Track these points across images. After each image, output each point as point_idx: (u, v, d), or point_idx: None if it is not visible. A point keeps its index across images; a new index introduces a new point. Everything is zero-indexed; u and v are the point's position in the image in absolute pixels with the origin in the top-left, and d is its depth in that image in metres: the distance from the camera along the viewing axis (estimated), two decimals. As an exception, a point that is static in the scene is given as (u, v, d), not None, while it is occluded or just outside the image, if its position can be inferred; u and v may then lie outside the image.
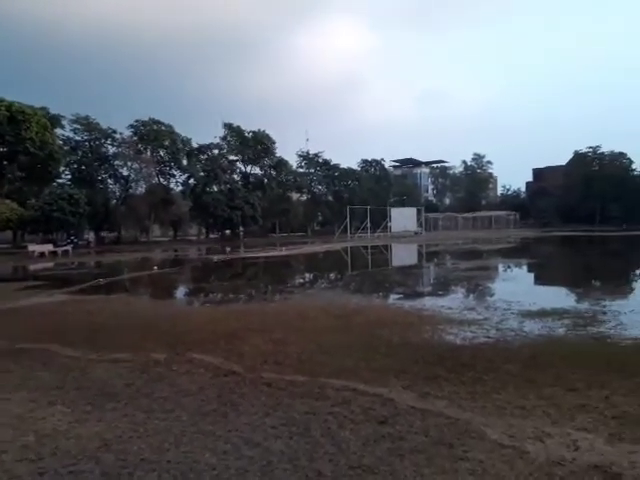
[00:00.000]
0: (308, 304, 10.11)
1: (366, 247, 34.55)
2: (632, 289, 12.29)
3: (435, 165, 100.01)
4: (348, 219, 50.99)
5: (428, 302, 9.71)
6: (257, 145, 58.76)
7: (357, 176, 68.77)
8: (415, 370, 5.12)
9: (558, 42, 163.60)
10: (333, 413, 4.04)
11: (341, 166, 67.33)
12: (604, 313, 8.05)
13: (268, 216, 58.74)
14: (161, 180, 53.00)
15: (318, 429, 3.72)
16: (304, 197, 67.56)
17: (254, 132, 58.80)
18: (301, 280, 17.34)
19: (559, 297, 10.62)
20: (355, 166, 72.07)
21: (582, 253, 27.73)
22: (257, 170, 62.01)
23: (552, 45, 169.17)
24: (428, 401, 4.27)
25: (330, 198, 66.79)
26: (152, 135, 49.73)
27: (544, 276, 16.70)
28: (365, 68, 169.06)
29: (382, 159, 76.46)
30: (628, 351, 5.68)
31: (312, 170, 66.53)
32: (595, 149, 76.71)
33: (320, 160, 66.12)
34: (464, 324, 7.47)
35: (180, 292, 15.10)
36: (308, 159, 66.17)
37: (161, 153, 51.93)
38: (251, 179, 60.77)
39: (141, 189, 51.06)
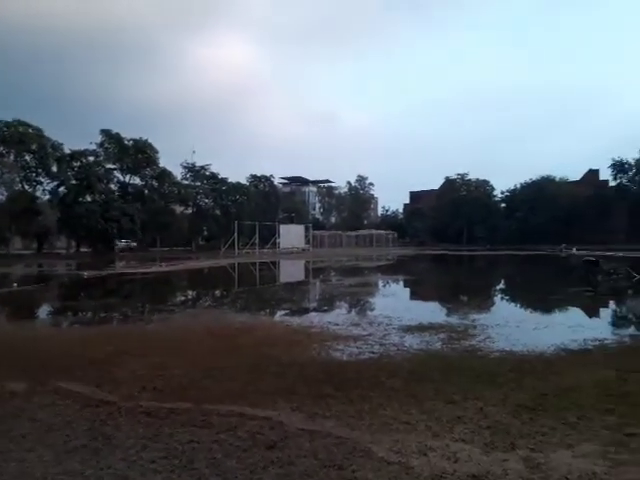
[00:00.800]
0: (191, 324, 9.66)
1: (254, 263, 34.25)
2: (494, 304, 13.60)
3: (322, 184, 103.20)
4: (236, 234, 50.23)
5: (315, 319, 9.81)
6: (138, 154, 55.71)
7: (246, 191, 68.31)
8: (304, 390, 5.07)
9: (437, 77, 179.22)
10: (219, 441, 3.82)
11: (229, 180, 66.49)
12: (474, 327, 8.75)
13: (148, 229, 55.71)
14: (26, 187, 47.82)
15: (202, 460, 3.48)
16: (189, 210, 65.38)
17: (135, 140, 55.73)
18: (183, 298, 16.58)
19: (434, 312, 11.39)
20: (244, 181, 71.65)
21: (452, 270, 30.24)
22: (137, 180, 58.72)
23: (432, 80, 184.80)
24: (317, 422, 4.23)
25: (217, 212, 65.38)
26: (16, 137, 44.77)
27: (420, 292, 17.85)
28: (255, 83, 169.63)
29: (271, 175, 77.05)
30: (496, 363, 6.18)
31: (198, 183, 64.70)
32: (463, 176, 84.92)
33: (207, 173, 64.59)
34: (350, 340, 7.64)
35: (44, 312, 13.57)
36: (194, 171, 64.29)
37: (27, 158, 46.90)
38: (130, 189, 57.22)
39: (1, 197, 45.61)
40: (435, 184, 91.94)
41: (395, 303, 12.71)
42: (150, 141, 56.88)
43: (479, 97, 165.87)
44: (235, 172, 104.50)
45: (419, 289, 18.90)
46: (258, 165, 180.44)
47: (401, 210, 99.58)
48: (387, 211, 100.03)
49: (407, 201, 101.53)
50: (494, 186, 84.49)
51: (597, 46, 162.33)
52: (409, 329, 8.51)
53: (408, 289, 18.83)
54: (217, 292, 17.97)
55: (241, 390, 5.10)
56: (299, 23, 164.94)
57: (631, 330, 8.95)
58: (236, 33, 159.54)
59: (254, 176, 74.16)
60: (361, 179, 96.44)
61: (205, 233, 69.29)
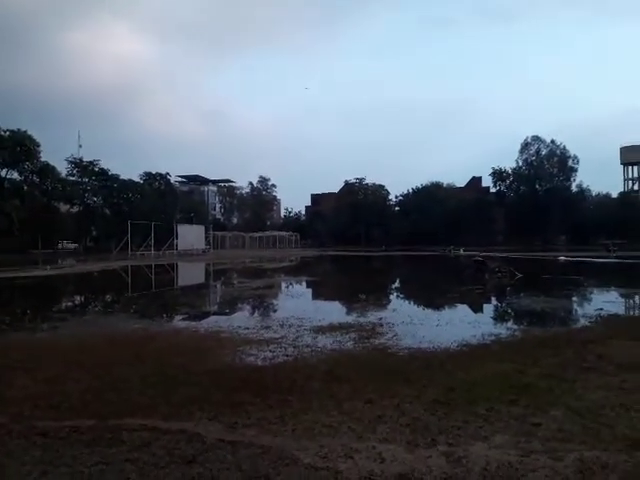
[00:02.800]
0: (86, 333, 8.88)
1: (150, 266, 32.54)
2: (397, 302, 14.20)
3: (223, 184, 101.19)
4: (129, 235, 47.39)
5: (224, 323, 9.50)
6: (16, 147, 50.57)
7: (139, 189, 64.88)
8: (220, 398, 4.86)
9: (335, 84, 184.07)
10: (131, 460, 3.51)
11: (121, 177, 62.66)
12: (382, 325, 9.05)
13: (28, 229, 50.72)
14: None
15: (115, 483, 3.17)
16: (75, 209, 60.60)
17: (12, 131, 50.55)
18: (74, 304, 15.26)
19: (343, 312, 11.63)
20: (137, 178, 67.96)
21: (354, 270, 31.19)
22: (15, 175, 53.25)
23: (333, 83, 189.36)
24: (237, 431, 4.06)
25: (107, 211, 61.37)
26: None
27: (327, 292, 18.15)
28: (149, 78, 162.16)
29: (167, 173, 74.01)
30: (406, 360, 6.42)
31: (86, 179, 60.24)
32: (361, 180, 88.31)
33: (96, 169, 60.37)
34: (263, 344, 7.50)
35: None
36: (81, 167, 59.76)
37: None
38: (6, 185, 51.76)
39: None
40: (335, 187, 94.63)
41: (304, 304, 12.78)
42: (30, 133, 51.89)
43: (374, 106, 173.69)
44: (128, 169, 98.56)
45: (326, 289, 19.21)
46: (154, 163, 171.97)
47: (303, 212, 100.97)
48: (290, 213, 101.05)
49: (309, 203, 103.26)
50: (389, 190, 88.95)
51: (481, 64, 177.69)
52: (321, 330, 8.57)
53: (315, 290, 19.04)
54: (111, 297, 16.78)
55: (151, 402, 4.76)
56: (197, 19, 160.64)
57: (519, 324, 9.81)
58: (124, 23, 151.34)
59: (149, 174, 70.76)
60: (263, 180, 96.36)
61: (94, 233, 64.65)
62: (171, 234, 51.51)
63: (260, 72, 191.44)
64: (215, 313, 11.98)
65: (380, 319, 9.81)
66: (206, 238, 58.29)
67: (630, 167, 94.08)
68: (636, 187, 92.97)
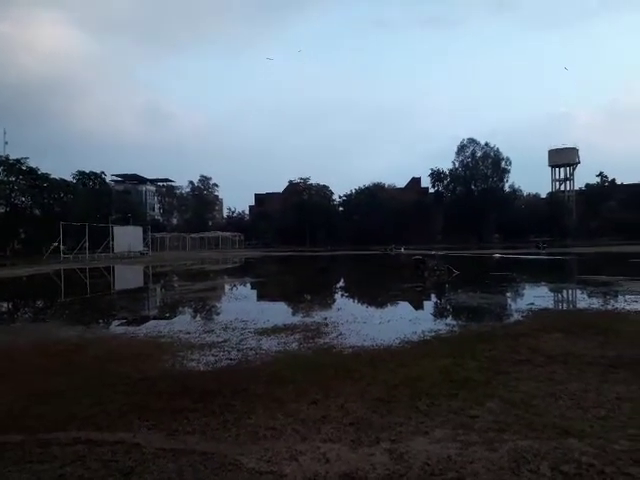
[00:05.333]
0: (14, 341, 8.34)
1: (84, 269, 31.05)
2: (341, 301, 14.34)
3: (162, 184, 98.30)
4: (61, 237, 44.99)
5: (164, 328, 9.22)
6: None
7: (72, 189, 61.80)
8: (160, 406, 4.71)
9: (281, 82, 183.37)
10: (65, 475, 3.34)
11: (52, 176, 59.39)
12: (326, 325, 9.11)
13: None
14: None
15: (46, 503, 2.99)
16: (1, 210, 56.82)
17: None
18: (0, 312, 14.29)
19: (287, 313, 11.59)
20: (70, 178, 64.73)
21: (299, 270, 31.20)
22: None
23: (276, 84, 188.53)
24: (178, 439, 3.95)
25: (37, 212, 57.97)
26: None
27: (271, 293, 18.03)
28: (83, 73, 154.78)
29: (103, 172, 70.95)
30: (351, 359, 6.49)
31: (12, 179, 56.62)
32: (305, 180, 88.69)
33: (24, 167, 56.85)
34: (205, 348, 7.35)
35: None
36: (7, 165, 56.11)
37: None
38: None
39: None
40: (280, 187, 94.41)
41: (248, 306, 12.63)
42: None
43: (317, 107, 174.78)
44: (61, 169, 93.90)
45: (270, 291, 19.08)
46: (88, 161, 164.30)
47: (247, 212, 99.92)
48: (233, 213, 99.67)
49: (253, 203, 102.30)
50: (333, 190, 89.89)
51: (420, 67, 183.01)
52: (265, 332, 8.50)
53: (260, 291, 18.88)
54: (42, 303, 15.86)
55: (86, 413, 4.53)
56: (134, 15, 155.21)
57: (458, 320, 10.17)
58: (55, 14, 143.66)
59: (82, 173, 67.56)
60: (205, 179, 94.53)
61: (22, 236, 60.86)
62: (107, 236, 49.37)
63: (201, 70, 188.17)
64: (154, 317, 11.58)
65: (325, 319, 9.87)
66: (144, 240, 56.35)
67: (557, 169, 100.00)
68: (563, 188, 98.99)
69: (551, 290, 15.96)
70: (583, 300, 12.85)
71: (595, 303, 11.67)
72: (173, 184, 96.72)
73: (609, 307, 10.90)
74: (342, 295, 17.09)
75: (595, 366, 5.72)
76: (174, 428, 4.17)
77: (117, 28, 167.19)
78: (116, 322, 11.13)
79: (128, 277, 29.02)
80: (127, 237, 52.08)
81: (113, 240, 49.47)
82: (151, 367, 6.27)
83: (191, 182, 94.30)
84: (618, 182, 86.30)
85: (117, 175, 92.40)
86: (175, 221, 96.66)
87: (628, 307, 10.66)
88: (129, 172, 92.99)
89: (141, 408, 4.64)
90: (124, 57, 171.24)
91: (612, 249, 42.81)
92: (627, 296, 12.69)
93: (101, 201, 65.45)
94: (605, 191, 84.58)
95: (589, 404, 4.41)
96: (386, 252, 47.75)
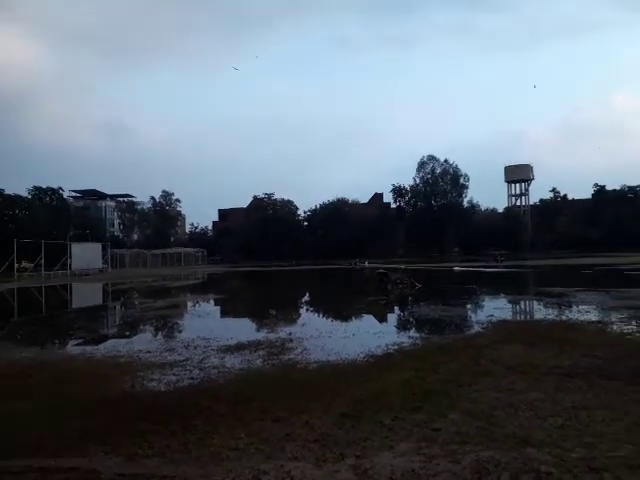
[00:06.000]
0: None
1: (40, 288, 29.81)
2: (305, 316, 14.27)
3: (122, 199, 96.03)
4: (14, 255, 43.10)
5: (123, 347, 8.92)
6: None
7: (27, 205, 59.59)
8: (118, 429, 4.53)
9: (246, 99, 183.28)
10: (14, 508, 3.14)
11: (6, 192, 57.16)
12: (291, 341, 9.03)
13: None
14: None
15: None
16: (-51, 227, 54.14)
17: None
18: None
19: (251, 329, 11.44)
20: (26, 193, 62.48)
21: (263, 286, 30.94)
22: None
23: (241, 100, 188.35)
24: (137, 463, 3.80)
25: (-11, 229, 55.47)
26: None
27: (234, 310, 17.78)
28: (39, 85, 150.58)
29: (60, 188, 68.83)
30: (315, 374, 6.45)
31: (-37, 194, 54.22)
32: (270, 195, 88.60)
33: (-24, 183, 54.55)
34: (166, 367, 7.14)
35: None
36: (-43, 180, 53.72)
37: None
38: None
39: None
40: (244, 202, 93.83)
41: (210, 323, 12.40)
42: None
43: (282, 124, 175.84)
44: (15, 184, 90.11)
45: (233, 307, 18.81)
46: (45, 177, 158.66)
47: (210, 227, 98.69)
48: (196, 228, 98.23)
49: (216, 219, 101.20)
50: (297, 205, 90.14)
51: (383, 85, 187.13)
52: (228, 349, 8.35)
53: (223, 308, 18.57)
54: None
55: (39, 439, 4.31)
56: (96, 31, 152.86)
57: (420, 332, 10.29)
58: (9, 26, 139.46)
59: (38, 188, 65.37)
60: (167, 194, 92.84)
61: (-27, 254, 58.04)
62: (64, 253, 47.64)
63: (165, 85, 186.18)
64: (113, 336, 11.20)
65: (290, 334, 9.79)
66: (104, 256, 54.64)
67: (513, 184, 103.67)
68: (518, 203, 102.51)
69: (509, 302, 16.38)
70: (540, 311, 13.24)
71: (551, 314, 12.05)
72: (134, 199, 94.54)
73: (564, 318, 11.26)
74: (307, 310, 17.03)
75: (552, 376, 5.88)
76: (133, 452, 4.01)
77: (77, 41, 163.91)
78: (73, 342, 10.69)
79: (86, 295, 28.03)
80: (86, 254, 50.36)
81: (71, 257, 47.75)
82: (109, 388, 6.04)
83: (152, 197, 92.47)
84: (569, 197, 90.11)
85: (76, 191, 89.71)
86: (136, 237, 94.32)
87: (582, 317, 11.04)
88: (88, 187, 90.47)
89: (98, 432, 4.45)
90: (84, 70, 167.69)
91: (565, 261, 44.45)
92: (580, 306, 13.17)
93: (58, 217, 63.29)
94: (558, 206, 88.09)
95: (547, 413, 4.51)
96: (351, 266, 48.01)
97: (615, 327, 9.54)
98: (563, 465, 3.38)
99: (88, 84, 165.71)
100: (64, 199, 71.61)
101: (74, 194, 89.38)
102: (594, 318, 10.91)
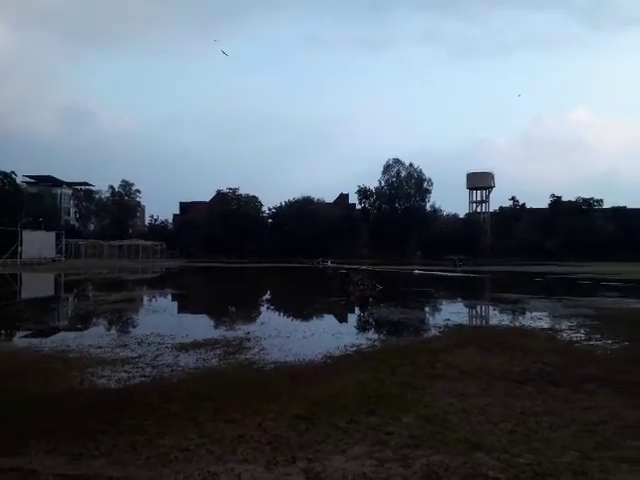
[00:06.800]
0: None
1: (-15, 276, 28.49)
2: (265, 315, 14.18)
3: (79, 187, 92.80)
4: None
5: (73, 342, 8.61)
6: None
7: (-24, 189, 56.78)
8: (63, 427, 4.36)
9: (213, 92, 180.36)
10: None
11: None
12: (249, 340, 8.94)
13: None
14: None
15: None
16: None
17: None
18: None
19: (208, 327, 11.29)
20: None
21: (223, 282, 30.58)
22: None
23: (208, 92, 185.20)
24: (82, 464, 3.66)
25: None
26: None
27: (192, 306, 17.49)
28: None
29: (13, 172, 65.84)
30: (272, 375, 6.40)
31: None
32: (234, 190, 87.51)
33: None
34: (117, 364, 6.94)
35: None
36: None
37: None
38: None
39: None
40: (206, 196, 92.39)
41: (166, 319, 12.13)
42: None
43: (248, 119, 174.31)
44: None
45: (191, 303, 18.51)
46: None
47: (171, 220, 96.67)
48: (155, 220, 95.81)
49: (177, 211, 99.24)
50: (262, 202, 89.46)
51: (351, 86, 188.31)
52: (183, 347, 8.19)
53: (180, 304, 18.24)
54: None
55: (-25, 438, 4.09)
56: (57, 11, 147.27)
57: (379, 334, 10.40)
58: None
59: (-12, 171, 62.30)
60: (126, 184, 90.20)
61: None
62: (14, 241, 45.67)
63: (129, 72, 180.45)
64: (63, 330, 10.82)
65: (248, 333, 9.70)
66: (57, 246, 52.74)
67: (474, 191, 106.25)
68: (479, 209, 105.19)
69: (466, 306, 16.79)
70: (494, 317, 13.63)
71: (505, 320, 12.41)
72: (92, 188, 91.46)
73: (517, 324, 11.62)
74: (267, 308, 16.96)
75: (504, 381, 6.04)
76: (77, 452, 3.86)
77: (38, 22, 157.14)
78: (19, 335, 10.27)
79: (36, 285, 26.98)
80: (38, 243, 48.48)
81: (22, 245, 45.83)
82: (55, 385, 5.82)
83: (111, 187, 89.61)
84: (528, 206, 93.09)
85: (30, 176, 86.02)
86: (92, 227, 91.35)
87: (534, 324, 11.42)
88: (44, 173, 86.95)
89: (41, 430, 4.27)
90: (43, 52, 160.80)
91: (521, 268, 45.94)
92: (533, 313, 13.62)
93: (9, 203, 60.53)
94: (516, 214, 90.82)
95: (497, 419, 4.63)
96: (314, 265, 48.09)
97: (565, 335, 9.91)
98: (510, 470, 3.46)
99: (49, 66, 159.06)
100: (17, 184, 68.53)
101: (28, 179, 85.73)
102: (545, 325, 11.30)
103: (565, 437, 4.16)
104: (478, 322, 13.64)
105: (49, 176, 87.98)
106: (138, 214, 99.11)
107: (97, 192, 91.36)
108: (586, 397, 5.38)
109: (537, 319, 12.36)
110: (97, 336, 9.40)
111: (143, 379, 6.18)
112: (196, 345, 8.36)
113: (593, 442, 4.03)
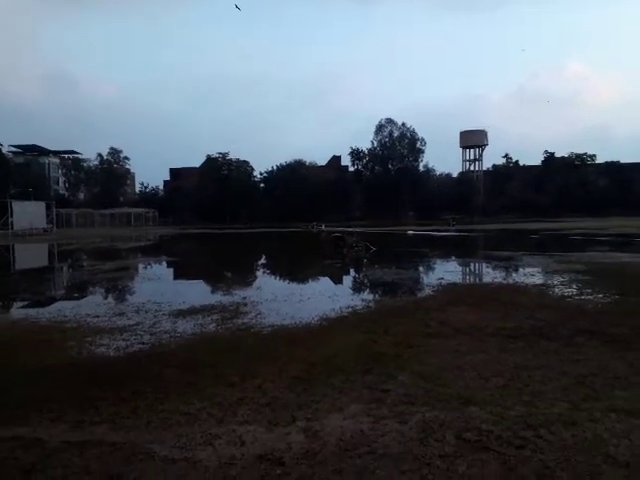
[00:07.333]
0: None
1: (-23, 249, 28.36)
2: (261, 279, 14.28)
3: (67, 156, 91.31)
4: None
5: (70, 312, 8.64)
6: None
7: (-39, 160, 55.70)
8: (64, 396, 4.43)
9: (201, 54, 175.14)
10: (-50, 480, 3.05)
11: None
12: (245, 305, 9.03)
13: None
14: None
15: None
16: None
17: None
18: None
19: (205, 293, 11.38)
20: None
21: (217, 248, 30.64)
22: None
23: (196, 54, 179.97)
24: (85, 430, 3.74)
25: None
26: None
27: (187, 273, 17.56)
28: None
29: (-2, 142, 64.56)
30: (269, 338, 6.49)
31: None
32: (224, 155, 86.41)
33: None
34: (115, 332, 7.00)
35: None
36: None
37: None
38: None
39: None
40: (197, 162, 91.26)
41: (162, 286, 12.18)
42: None
43: (238, 81, 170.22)
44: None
45: (186, 270, 18.57)
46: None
47: (162, 187, 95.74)
48: (146, 188, 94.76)
49: (168, 178, 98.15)
50: (254, 166, 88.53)
51: (341, 44, 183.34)
52: (180, 313, 8.26)
53: (175, 270, 18.31)
54: None
55: (-23, 409, 4.16)
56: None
57: (373, 295, 10.54)
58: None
59: (-27, 142, 61.02)
60: (115, 151, 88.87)
61: None
62: (5, 212, 45.24)
63: (116, 35, 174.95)
64: (60, 300, 10.86)
65: (244, 298, 9.78)
66: (48, 216, 52.36)
67: (468, 150, 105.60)
68: (472, 168, 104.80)
69: (459, 265, 16.97)
70: (488, 274, 13.79)
71: (498, 277, 12.57)
72: (80, 156, 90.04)
73: (510, 281, 11.78)
74: (262, 273, 17.06)
75: (497, 337, 6.17)
76: (80, 419, 3.94)
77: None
78: (16, 305, 10.31)
79: (30, 256, 26.92)
80: (28, 213, 48.07)
81: (12, 217, 45.44)
82: (54, 355, 5.88)
83: (100, 155, 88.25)
84: (521, 164, 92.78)
85: (16, 146, 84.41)
86: (82, 196, 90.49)
87: (527, 280, 11.58)
88: (30, 143, 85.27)
89: (42, 400, 4.33)
90: (23, 13, 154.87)
91: (515, 226, 46.24)
92: (526, 269, 13.80)
93: (-4, 174, 59.70)
94: (509, 172, 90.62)
95: (490, 374, 4.74)
96: (308, 229, 48.12)
97: (557, 290, 10.07)
98: (503, 423, 3.58)
99: (31, 29, 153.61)
100: (3, 154, 67.39)
101: (14, 149, 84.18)
102: (538, 281, 11.46)
103: (556, 389, 4.28)
104: (472, 280, 13.81)
105: (35, 145, 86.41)
106: (128, 182, 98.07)
107: (85, 160, 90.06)
108: (576, 350, 5.52)
109: (530, 275, 12.53)
110: (94, 305, 9.45)
111: (142, 346, 6.25)
112: (193, 311, 8.43)
113: (582, 394, 4.16)
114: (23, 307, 9.95)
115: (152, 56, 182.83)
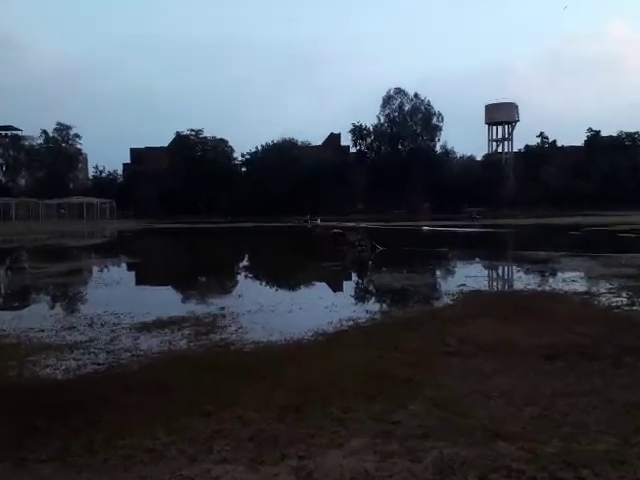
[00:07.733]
0: None
1: None
2: (244, 286, 14.30)
3: (3, 132, 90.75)
4: None
5: (9, 325, 8.65)
6: None
7: None
8: (2, 427, 4.43)
9: (168, 16, 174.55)
10: None
11: None
12: (224, 316, 9.08)
13: None
14: None
15: None
16: None
17: None
18: None
19: (174, 302, 11.37)
20: None
21: (190, 248, 30.62)
22: None
23: (161, 17, 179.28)
24: (27, 470, 3.75)
25: None
26: None
27: (153, 277, 17.57)
28: None
29: None
30: (252, 357, 6.52)
31: None
32: (198, 132, 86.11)
33: None
34: (64, 350, 7.03)
35: None
36: None
37: None
38: None
39: None
40: (164, 141, 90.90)
41: (122, 294, 12.23)
42: None
43: (214, 46, 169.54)
44: None
45: (152, 274, 18.58)
46: None
47: (120, 172, 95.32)
48: (101, 172, 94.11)
49: (128, 161, 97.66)
50: (233, 147, 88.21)
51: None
52: (145, 327, 8.30)
53: (139, 275, 18.30)
54: None
55: None
56: None
57: (380, 305, 10.58)
58: None
59: None
60: (62, 128, 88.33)
61: None
62: None
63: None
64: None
65: (222, 308, 9.83)
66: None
67: (495, 127, 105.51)
68: (500, 149, 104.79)
69: (484, 268, 17.04)
70: (519, 280, 13.88)
71: (531, 283, 12.64)
72: (19, 133, 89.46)
73: (546, 288, 11.85)
74: (245, 277, 17.07)
75: (529, 356, 6.21)
76: (22, 456, 3.94)
77: None
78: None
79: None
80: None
81: None
82: (-10, 377, 5.88)
83: (44, 131, 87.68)
84: (559, 144, 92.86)
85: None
86: (23, 182, 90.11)
87: (566, 287, 11.65)
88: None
89: (-25, 432, 4.34)
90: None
91: (551, 220, 46.48)
92: (565, 274, 13.87)
93: None
94: (545, 154, 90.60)
95: (521, 401, 4.77)
96: (301, 224, 48.12)
97: (603, 299, 10.14)
98: (537, 461, 3.60)
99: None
100: None
101: None
102: (580, 288, 11.54)
103: (600, 421, 4.31)
104: (499, 287, 13.89)
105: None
106: (80, 165, 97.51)
107: (27, 138, 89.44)
108: (626, 373, 5.56)
109: (569, 281, 12.60)
110: (38, 317, 9.46)
111: (97, 367, 6.27)
112: (160, 324, 8.46)
113: (634, 426, 4.19)
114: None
115: (111, 17, 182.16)
